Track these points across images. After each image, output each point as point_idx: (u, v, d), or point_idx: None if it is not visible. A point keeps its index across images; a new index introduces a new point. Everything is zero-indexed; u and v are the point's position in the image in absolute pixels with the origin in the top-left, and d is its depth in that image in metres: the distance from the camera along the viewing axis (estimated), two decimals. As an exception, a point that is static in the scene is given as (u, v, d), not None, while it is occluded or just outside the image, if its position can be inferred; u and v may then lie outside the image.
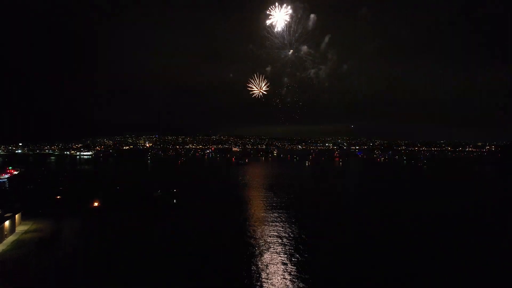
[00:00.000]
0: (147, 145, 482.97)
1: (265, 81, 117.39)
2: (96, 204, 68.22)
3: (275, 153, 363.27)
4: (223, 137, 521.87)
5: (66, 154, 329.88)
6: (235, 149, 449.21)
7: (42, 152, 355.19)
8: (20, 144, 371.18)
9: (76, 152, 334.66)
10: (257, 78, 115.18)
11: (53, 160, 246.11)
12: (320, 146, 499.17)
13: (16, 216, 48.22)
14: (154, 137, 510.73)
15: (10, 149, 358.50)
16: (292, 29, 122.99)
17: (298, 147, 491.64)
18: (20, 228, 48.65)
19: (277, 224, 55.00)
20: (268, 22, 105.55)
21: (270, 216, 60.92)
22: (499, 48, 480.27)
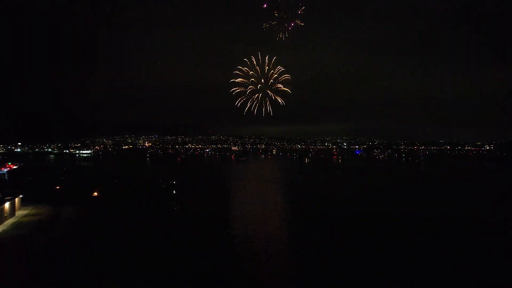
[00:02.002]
0: (147, 144, 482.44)
1: (278, 71, 77.81)
2: (95, 194, 68.47)
3: (274, 151, 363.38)
4: (223, 137, 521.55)
5: (65, 152, 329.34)
6: (235, 148, 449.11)
7: (41, 150, 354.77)
8: (20, 143, 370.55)
9: (75, 151, 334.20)
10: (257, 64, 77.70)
11: (52, 158, 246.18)
12: (319, 145, 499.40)
13: (16, 199, 48.52)
14: (154, 137, 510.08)
15: (9, 148, 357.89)
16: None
17: (298, 146, 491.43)
18: (20, 212, 48.92)
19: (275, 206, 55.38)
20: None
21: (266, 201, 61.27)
22: (499, 48, 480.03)
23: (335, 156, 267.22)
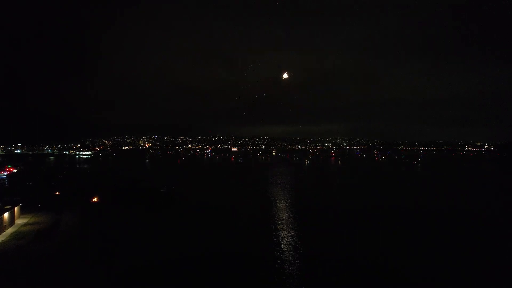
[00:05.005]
0: (146, 145, 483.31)
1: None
2: (95, 199, 68.50)
3: (274, 152, 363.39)
4: (222, 137, 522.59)
5: (65, 153, 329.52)
6: (234, 149, 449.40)
7: (41, 152, 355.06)
8: (19, 144, 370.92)
9: (75, 152, 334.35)
10: None
11: (52, 160, 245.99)
12: (319, 146, 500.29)
13: (15, 208, 48.45)
14: (153, 138, 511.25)
15: (9, 149, 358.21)
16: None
17: (297, 147, 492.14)
18: (19, 221, 48.84)
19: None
20: None
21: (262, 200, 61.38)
22: (499, 48, 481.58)
23: (333, 158, 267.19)
